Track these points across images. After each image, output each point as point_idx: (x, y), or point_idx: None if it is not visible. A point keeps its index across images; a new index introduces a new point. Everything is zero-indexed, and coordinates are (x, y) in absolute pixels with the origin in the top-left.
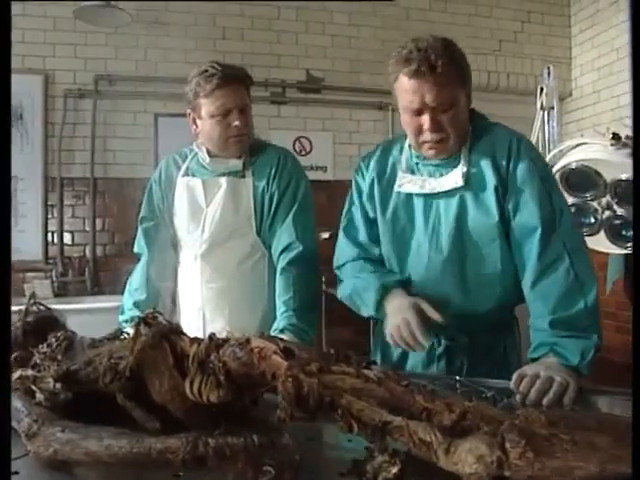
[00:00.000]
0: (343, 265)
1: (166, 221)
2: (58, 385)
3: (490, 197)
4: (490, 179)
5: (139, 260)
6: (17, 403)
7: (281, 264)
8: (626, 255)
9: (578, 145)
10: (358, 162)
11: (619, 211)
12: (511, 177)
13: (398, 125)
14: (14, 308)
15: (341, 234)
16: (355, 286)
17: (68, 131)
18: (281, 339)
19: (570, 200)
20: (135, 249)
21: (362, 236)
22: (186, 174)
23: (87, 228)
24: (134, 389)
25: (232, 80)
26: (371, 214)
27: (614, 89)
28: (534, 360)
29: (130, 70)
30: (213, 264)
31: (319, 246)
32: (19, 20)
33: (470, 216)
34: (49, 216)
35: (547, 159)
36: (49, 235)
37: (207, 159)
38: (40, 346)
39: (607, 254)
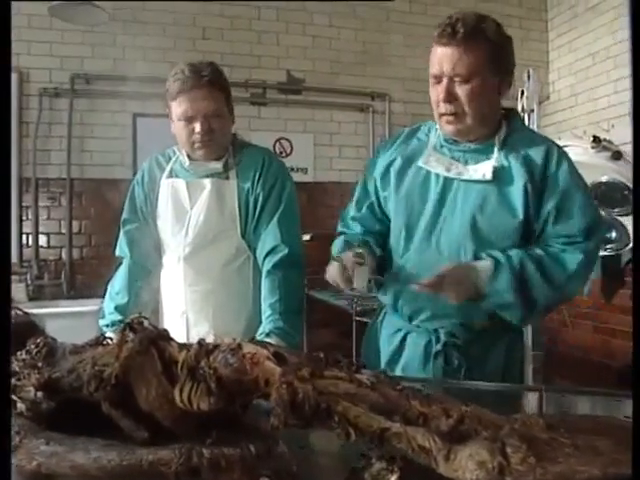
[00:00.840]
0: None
1: (149, 223)
2: (40, 394)
3: (516, 194)
4: (519, 175)
5: (120, 263)
6: None
7: (266, 267)
8: (602, 256)
9: None
10: (377, 147)
11: None
12: (551, 180)
13: (379, 127)
14: None
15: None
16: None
17: (43, 131)
18: (269, 344)
19: None
20: (117, 252)
21: (359, 214)
22: (170, 176)
23: (63, 230)
24: (120, 397)
25: (196, 85)
26: (381, 193)
27: (591, 93)
28: None
29: (108, 69)
30: (197, 267)
31: (302, 245)
32: None
33: (489, 210)
34: (24, 218)
35: None
36: (24, 237)
37: (187, 162)
38: (18, 353)
39: None
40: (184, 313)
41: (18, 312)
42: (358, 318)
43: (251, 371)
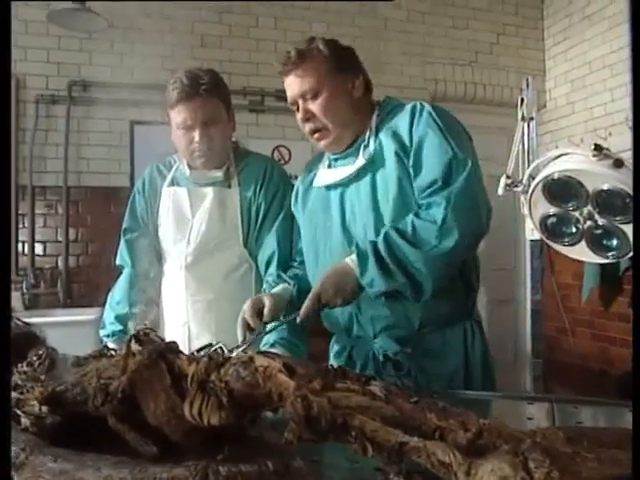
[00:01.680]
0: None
1: (150, 232)
2: (44, 408)
3: (392, 167)
4: (390, 149)
5: (120, 272)
6: None
7: (267, 276)
8: (601, 264)
9: (560, 156)
10: None
11: (600, 221)
12: (414, 136)
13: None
14: None
15: None
16: None
17: (40, 138)
18: (278, 355)
19: (552, 210)
20: (117, 261)
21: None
22: (171, 184)
23: (60, 238)
24: (127, 411)
25: (194, 94)
26: (298, 220)
27: (587, 101)
28: None
29: (105, 76)
30: (199, 276)
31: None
32: None
33: (380, 194)
34: (20, 226)
35: (529, 170)
36: (19, 245)
37: (187, 172)
38: (20, 365)
39: (583, 263)
40: (186, 324)
41: (18, 322)
42: None
43: (264, 385)
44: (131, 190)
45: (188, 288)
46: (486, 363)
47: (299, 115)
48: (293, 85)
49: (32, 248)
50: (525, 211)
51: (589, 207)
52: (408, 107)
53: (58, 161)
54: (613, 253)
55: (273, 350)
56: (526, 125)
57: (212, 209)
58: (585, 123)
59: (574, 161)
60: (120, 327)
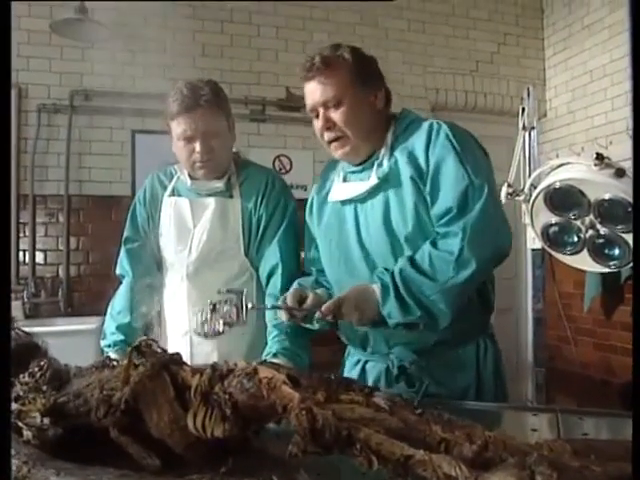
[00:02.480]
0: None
1: (151, 242)
2: (46, 420)
3: (407, 189)
4: (405, 170)
5: (120, 282)
6: None
7: (269, 287)
8: (603, 273)
9: (562, 165)
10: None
11: (602, 230)
12: (429, 162)
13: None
14: None
15: None
16: None
17: (42, 147)
18: (282, 366)
19: (554, 219)
20: (117, 271)
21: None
22: (172, 194)
23: (60, 247)
24: (130, 423)
25: (194, 105)
26: (313, 231)
27: (588, 110)
28: None
29: (107, 85)
30: (200, 286)
31: (300, 266)
32: None
33: (393, 215)
34: (21, 234)
35: (531, 179)
36: (20, 254)
37: (189, 182)
38: (21, 376)
39: (584, 272)
40: (187, 334)
41: (20, 333)
42: None
43: (268, 396)
44: (132, 199)
45: (190, 297)
46: (498, 377)
47: (319, 123)
48: (315, 92)
49: (33, 257)
50: (527, 220)
51: (591, 216)
52: (425, 126)
53: (59, 170)
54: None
55: (275, 360)
56: (527, 134)
57: (214, 219)
58: (586, 132)
59: (576, 170)
60: (121, 337)
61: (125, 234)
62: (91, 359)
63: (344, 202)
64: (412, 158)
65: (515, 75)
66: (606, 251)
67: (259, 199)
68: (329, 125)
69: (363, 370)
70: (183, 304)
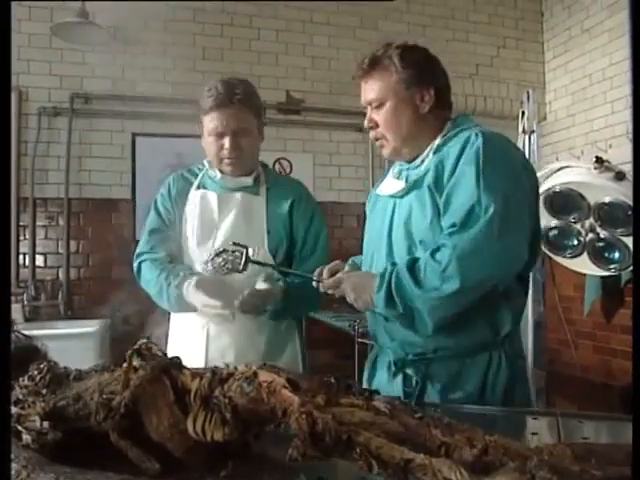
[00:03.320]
0: None
1: (176, 233)
2: (45, 423)
3: (426, 197)
4: (428, 178)
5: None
6: None
7: None
8: (603, 277)
9: (561, 168)
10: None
11: (602, 233)
12: (454, 173)
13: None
14: None
15: None
16: None
17: (42, 150)
18: (282, 369)
19: (553, 222)
20: (138, 250)
21: None
22: (199, 187)
23: (60, 250)
24: (129, 427)
25: (227, 103)
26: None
27: (588, 113)
28: None
29: (107, 88)
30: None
31: None
32: None
33: (413, 217)
34: (21, 237)
35: None
36: (20, 257)
37: (218, 176)
38: (21, 379)
39: (584, 276)
40: (205, 326)
41: (19, 335)
42: (360, 340)
43: (268, 400)
44: (133, 202)
45: None
46: (509, 398)
47: (365, 122)
48: (363, 92)
49: (33, 260)
50: None
51: (591, 220)
52: (464, 136)
53: (59, 173)
54: (615, 266)
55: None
56: (527, 137)
57: (239, 213)
58: (585, 135)
59: (575, 174)
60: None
61: (149, 226)
62: (91, 362)
63: (390, 196)
64: (440, 167)
65: (515, 78)
66: (606, 254)
67: (293, 206)
68: (372, 125)
69: (375, 362)
70: None
